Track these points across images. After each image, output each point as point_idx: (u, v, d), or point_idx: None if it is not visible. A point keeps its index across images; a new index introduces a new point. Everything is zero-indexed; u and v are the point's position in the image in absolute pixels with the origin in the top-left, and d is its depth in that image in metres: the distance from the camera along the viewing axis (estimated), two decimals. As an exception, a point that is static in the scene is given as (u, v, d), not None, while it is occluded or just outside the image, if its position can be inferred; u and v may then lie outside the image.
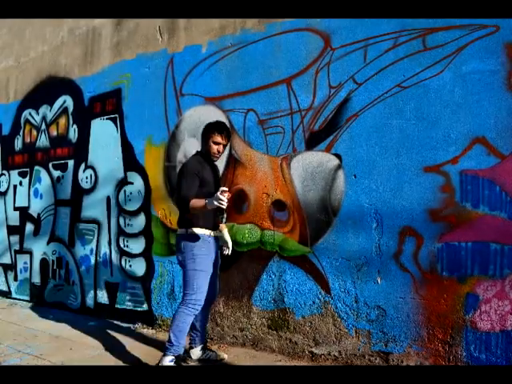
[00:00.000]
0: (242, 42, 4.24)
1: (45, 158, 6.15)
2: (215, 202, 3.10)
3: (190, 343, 3.69)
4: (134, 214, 5.02)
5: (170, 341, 3.35)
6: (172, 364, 3.34)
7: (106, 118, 5.37)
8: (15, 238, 6.54)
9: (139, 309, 4.93)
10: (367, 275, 3.50)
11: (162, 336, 4.49)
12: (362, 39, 3.57)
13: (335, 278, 3.66)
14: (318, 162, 3.76)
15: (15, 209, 6.58)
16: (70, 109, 5.84)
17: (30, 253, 6.28)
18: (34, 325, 5.00)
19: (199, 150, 3.62)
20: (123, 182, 5.15)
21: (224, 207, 3.15)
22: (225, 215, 3.43)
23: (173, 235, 4.63)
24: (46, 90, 6.20)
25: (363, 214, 3.52)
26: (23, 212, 6.43)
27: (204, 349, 3.74)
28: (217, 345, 4.15)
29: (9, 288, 6.65)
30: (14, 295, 6.56)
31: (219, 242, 3.61)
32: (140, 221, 4.98)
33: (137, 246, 4.99)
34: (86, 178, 5.55)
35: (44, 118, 6.20)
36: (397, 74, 3.41)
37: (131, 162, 5.07)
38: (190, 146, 4.52)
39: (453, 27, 3.20)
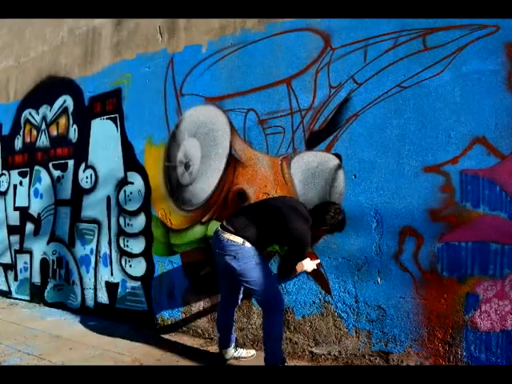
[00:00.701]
0: (242, 41, 4.24)
1: (45, 158, 6.15)
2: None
3: (221, 346, 3.80)
4: (134, 213, 5.02)
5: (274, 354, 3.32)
6: None
7: (106, 118, 5.37)
8: (15, 238, 6.54)
9: (139, 309, 4.93)
10: (367, 275, 3.50)
11: (161, 336, 4.50)
12: (362, 39, 3.57)
13: (335, 277, 3.66)
14: (318, 161, 3.76)
15: (15, 209, 6.58)
16: (70, 109, 5.84)
17: (30, 253, 6.28)
18: (34, 325, 5.00)
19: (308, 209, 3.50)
20: (123, 182, 5.15)
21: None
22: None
23: (173, 235, 4.63)
24: (46, 89, 6.20)
25: (363, 213, 3.52)
26: (23, 212, 6.43)
27: (236, 347, 3.82)
28: (216, 345, 4.15)
29: (9, 288, 6.65)
30: (14, 295, 6.56)
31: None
32: (140, 221, 4.98)
33: (137, 245, 4.99)
34: (86, 177, 5.55)
35: (44, 118, 6.19)
36: (397, 73, 3.41)
37: (131, 161, 5.07)
38: (190, 145, 4.52)
39: (453, 27, 3.20)
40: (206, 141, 4.42)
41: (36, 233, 6.20)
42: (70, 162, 5.77)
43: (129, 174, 5.10)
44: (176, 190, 4.66)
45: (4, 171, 6.84)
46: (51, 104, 6.09)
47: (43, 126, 6.20)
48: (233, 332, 3.79)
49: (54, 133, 6.04)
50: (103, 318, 5.19)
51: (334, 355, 3.63)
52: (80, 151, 5.64)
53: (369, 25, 3.54)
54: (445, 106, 3.21)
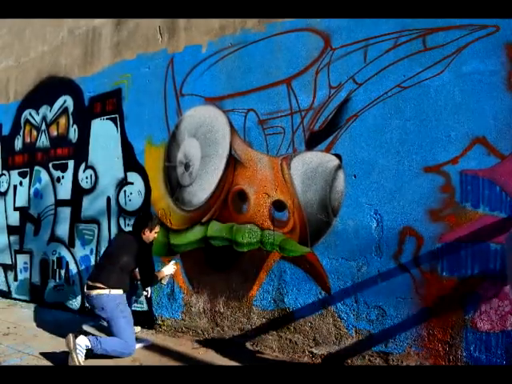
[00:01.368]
0: (242, 42, 4.24)
1: (45, 158, 6.15)
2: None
3: None
4: (134, 214, 5.01)
5: None
6: None
7: (106, 118, 5.37)
8: (15, 238, 6.54)
9: (139, 309, 4.92)
10: (367, 275, 3.50)
11: (161, 336, 4.50)
12: (362, 39, 3.57)
13: (335, 278, 3.66)
14: (318, 162, 3.76)
15: (15, 209, 6.58)
16: (70, 109, 5.84)
17: (30, 253, 6.27)
18: (33, 325, 5.01)
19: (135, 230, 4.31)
20: (123, 182, 5.15)
21: None
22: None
23: (173, 235, 4.64)
24: (46, 90, 6.20)
25: (363, 213, 3.52)
26: (23, 212, 6.43)
27: None
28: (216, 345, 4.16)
29: (9, 288, 6.65)
30: (13, 295, 6.55)
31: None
32: (140, 221, 4.97)
33: (137, 246, 4.98)
34: (86, 178, 5.55)
35: (44, 118, 6.19)
36: (397, 74, 3.41)
37: (131, 162, 5.07)
38: (190, 145, 4.52)
39: (453, 27, 3.20)
40: (206, 141, 4.42)
41: (36, 233, 6.20)
42: (70, 163, 5.77)
43: (129, 174, 5.10)
44: (176, 190, 4.66)
45: (4, 171, 6.83)
46: (51, 104, 6.09)
47: (43, 127, 6.20)
48: None
49: (54, 133, 6.04)
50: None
51: (334, 355, 3.62)
52: (80, 151, 5.64)
53: (369, 25, 3.54)
54: (445, 107, 3.21)
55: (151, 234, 4.29)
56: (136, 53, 5.13)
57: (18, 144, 6.61)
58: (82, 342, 3.69)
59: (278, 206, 3.96)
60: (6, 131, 6.85)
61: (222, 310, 4.28)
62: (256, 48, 4.14)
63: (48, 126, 6.13)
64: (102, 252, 5.29)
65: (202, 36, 4.54)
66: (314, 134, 3.79)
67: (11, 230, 6.63)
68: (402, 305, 3.34)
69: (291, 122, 3.90)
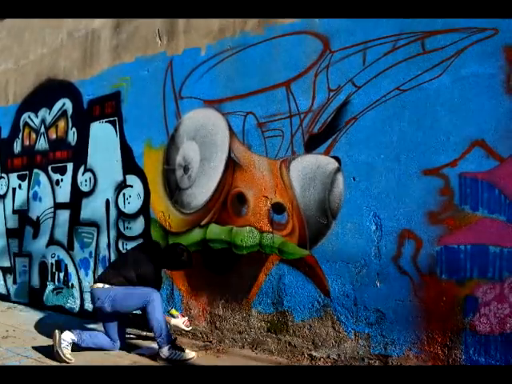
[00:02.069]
0: (241, 44, 4.24)
1: (44, 161, 6.15)
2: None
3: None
4: (133, 216, 5.01)
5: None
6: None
7: (105, 121, 5.37)
8: (14, 241, 6.53)
9: (139, 312, 4.90)
10: (366, 278, 3.50)
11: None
12: (361, 42, 3.57)
13: (334, 280, 3.65)
14: (317, 164, 3.76)
15: (14, 212, 6.57)
16: (69, 112, 5.84)
17: (29, 256, 6.27)
18: (32, 328, 4.99)
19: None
20: (122, 185, 5.14)
21: None
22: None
23: (172, 238, 4.63)
24: (45, 92, 6.20)
25: (362, 216, 3.52)
26: (22, 215, 6.43)
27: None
28: (215, 348, 4.15)
29: (8, 291, 6.64)
30: (12, 298, 6.54)
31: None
32: (139, 224, 4.97)
33: (136, 248, 4.98)
34: (85, 181, 5.54)
35: (43, 121, 6.19)
36: (396, 77, 3.41)
37: (130, 164, 5.07)
38: (189, 148, 4.52)
39: (452, 30, 3.20)
40: (205, 144, 4.42)
41: (35, 236, 6.20)
42: (69, 165, 5.77)
43: (128, 177, 5.10)
44: (175, 192, 4.66)
45: (3, 174, 6.83)
46: (50, 107, 6.09)
47: (42, 129, 6.20)
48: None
49: (53, 136, 6.04)
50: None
51: (333, 358, 3.62)
52: (79, 154, 5.64)
53: (368, 28, 3.54)
54: (444, 109, 3.21)
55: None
56: (135, 55, 5.13)
57: (17, 147, 6.61)
58: (67, 336, 3.83)
59: (277, 208, 3.96)
60: (4, 134, 6.85)
61: (221, 313, 4.28)
62: (255, 51, 4.15)
63: (47, 128, 6.13)
64: (101, 255, 5.31)
65: (200, 39, 4.54)
66: (313, 137, 3.79)
67: (10, 232, 6.62)
68: (401, 308, 3.34)
69: (290, 125, 3.91)
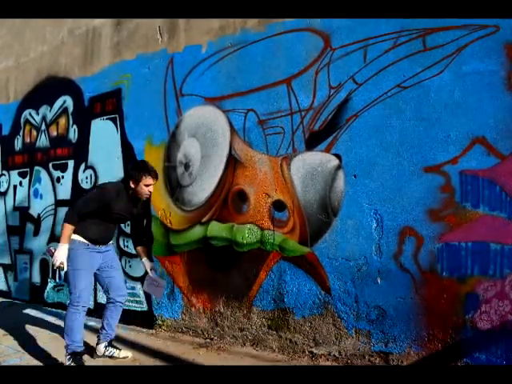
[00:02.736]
0: (241, 42, 4.24)
1: (45, 159, 6.15)
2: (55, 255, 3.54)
3: (97, 341, 3.91)
4: (134, 214, 5.01)
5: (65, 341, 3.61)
6: (70, 362, 3.54)
7: (106, 118, 5.37)
8: (15, 238, 6.54)
9: (139, 309, 4.93)
10: (367, 275, 3.50)
11: (161, 336, 4.50)
12: (362, 39, 3.57)
13: (335, 278, 3.66)
14: (317, 162, 3.76)
15: (15, 209, 6.57)
16: (70, 109, 5.84)
17: (30, 253, 6.27)
18: (33, 325, 5.00)
19: (122, 179, 3.87)
20: (123, 183, 5.14)
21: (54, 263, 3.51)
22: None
23: (173, 235, 4.64)
24: (46, 90, 6.20)
25: (363, 214, 3.52)
26: (23, 212, 6.43)
27: (107, 346, 3.88)
28: (216, 345, 4.16)
29: (9, 288, 6.65)
30: (13, 295, 6.55)
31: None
32: (140, 221, 4.96)
33: (137, 246, 4.98)
34: (86, 178, 5.55)
35: (44, 118, 6.19)
36: (397, 74, 3.41)
37: (131, 162, 5.06)
38: (190, 146, 4.52)
39: (453, 27, 3.19)
40: (206, 141, 4.42)
41: (36, 233, 6.20)
42: (70, 163, 5.77)
43: (129, 174, 5.09)
44: (176, 190, 4.66)
45: (4, 171, 6.83)
46: (51, 104, 6.09)
47: (43, 127, 6.20)
48: (106, 329, 3.88)
49: (54, 133, 6.04)
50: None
51: (334, 355, 3.63)
52: (80, 151, 5.64)
53: (369, 25, 3.53)
54: (445, 107, 3.21)
55: (140, 188, 3.58)
56: (136, 53, 5.13)
57: (18, 144, 6.61)
58: (101, 348, 3.88)
59: (278, 205, 3.96)
60: (5, 131, 6.85)
61: (221, 310, 4.28)
62: (256, 48, 4.14)
63: (48, 126, 6.13)
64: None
65: (201, 36, 4.53)
66: (314, 134, 3.79)
67: (11, 230, 6.63)
68: (401, 305, 3.34)
69: (291, 122, 3.90)
